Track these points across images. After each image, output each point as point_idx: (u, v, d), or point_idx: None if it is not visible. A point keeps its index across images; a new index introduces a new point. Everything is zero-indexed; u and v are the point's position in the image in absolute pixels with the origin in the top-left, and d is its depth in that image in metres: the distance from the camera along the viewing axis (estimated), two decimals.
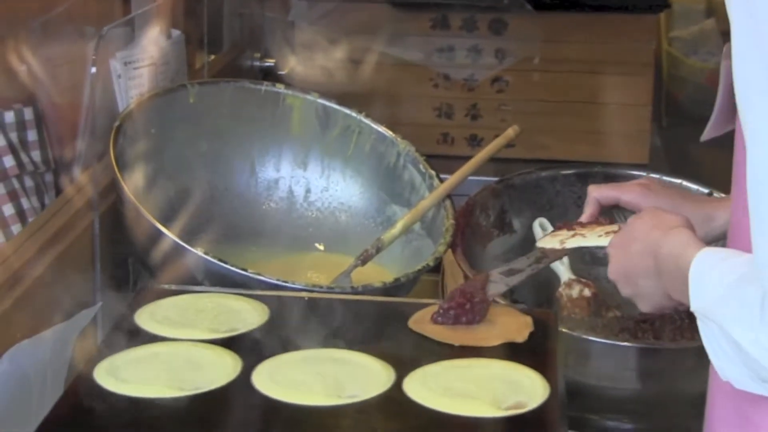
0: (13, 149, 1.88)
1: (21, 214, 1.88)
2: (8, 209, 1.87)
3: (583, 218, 1.76)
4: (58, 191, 1.91)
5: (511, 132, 2.10)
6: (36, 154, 1.92)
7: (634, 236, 1.48)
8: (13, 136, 1.89)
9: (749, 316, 1.16)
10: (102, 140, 1.85)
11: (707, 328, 1.24)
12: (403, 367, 1.46)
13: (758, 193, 1.14)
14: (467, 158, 2.07)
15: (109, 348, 1.51)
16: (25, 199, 1.89)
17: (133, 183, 1.78)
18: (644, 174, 2.14)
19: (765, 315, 1.14)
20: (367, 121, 2.11)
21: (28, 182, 1.91)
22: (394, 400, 1.39)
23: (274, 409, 1.37)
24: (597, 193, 1.76)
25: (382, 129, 2.11)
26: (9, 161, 1.87)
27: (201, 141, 2.07)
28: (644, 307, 1.49)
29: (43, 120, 1.96)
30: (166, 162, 1.99)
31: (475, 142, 2.82)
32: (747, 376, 1.20)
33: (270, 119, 2.12)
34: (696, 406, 1.49)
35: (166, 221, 1.73)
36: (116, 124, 1.87)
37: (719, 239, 1.59)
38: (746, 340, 1.16)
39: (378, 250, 1.89)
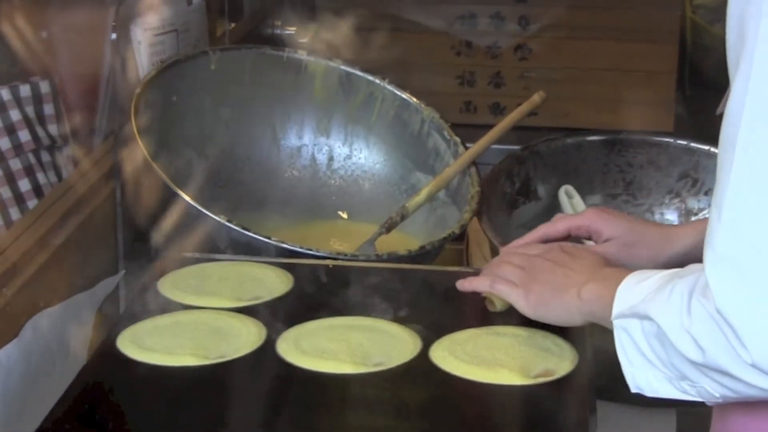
0: (29, 123, 1.86)
1: (37, 190, 1.86)
2: (24, 185, 1.86)
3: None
4: (77, 164, 1.90)
5: (536, 98, 2.07)
6: (53, 128, 1.90)
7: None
8: (29, 110, 1.87)
9: (678, 303, 1.12)
10: (123, 108, 1.83)
11: (624, 335, 1.20)
12: (429, 334, 1.45)
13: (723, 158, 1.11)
14: (490, 127, 2.04)
15: (132, 317, 1.50)
16: (42, 174, 1.88)
17: (154, 150, 1.77)
18: (670, 140, 2.12)
19: (693, 301, 1.11)
20: (390, 87, 2.09)
21: (45, 157, 1.90)
22: (421, 368, 1.38)
23: (299, 377, 1.36)
24: (546, 228, 1.61)
25: (405, 95, 2.08)
26: (25, 136, 1.85)
27: (223, 108, 2.05)
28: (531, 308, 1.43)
29: (63, 90, 1.94)
30: (188, 130, 1.98)
31: (498, 110, 2.79)
32: (664, 379, 1.17)
33: (292, 86, 2.10)
34: None
35: (188, 189, 1.72)
36: (137, 91, 1.85)
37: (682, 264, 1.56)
38: (673, 328, 1.13)
39: (402, 218, 1.87)
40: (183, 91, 1.97)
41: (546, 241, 1.57)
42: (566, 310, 1.38)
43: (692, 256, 1.46)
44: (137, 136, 1.77)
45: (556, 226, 1.59)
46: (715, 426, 1.27)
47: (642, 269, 1.30)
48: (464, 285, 1.51)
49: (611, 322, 1.23)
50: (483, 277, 1.49)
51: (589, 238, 1.57)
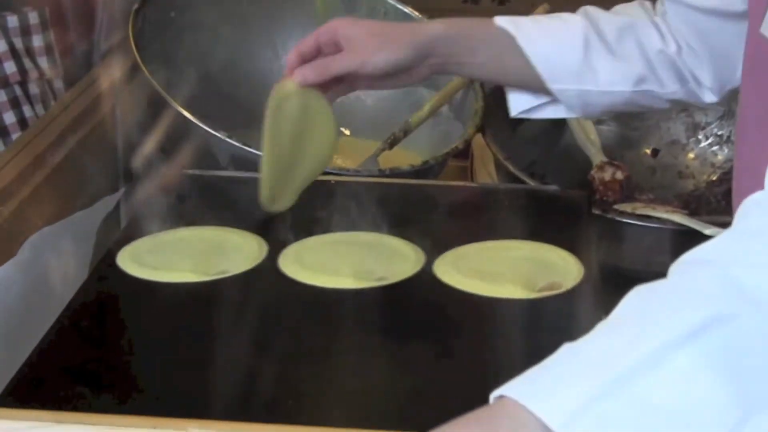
0: (15, 54, 1.83)
1: (22, 122, 1.84)
2: (9, 117, 1.83)
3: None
4: (75, 83, 1.87)
5: (541, 11, 2.04)
6: (42, 60, 1.87)
7: None
8: (17, 41, 1.84)
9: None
10: (121, 25, 1.81)
11: None
12: (433, 249, 1.43)
13: None
14: None
15: (132, 234, 1.48)
16: (28, 107, 1.85)
17: (153, 67, 1.74)
18: None
19: None
20: (392, 1, 2.05)
21: (33, 89, 1.87)
22: (425, 282, 1.36)
23: (300, 292, 1.34)
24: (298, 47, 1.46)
25: (408, 10, 2.05)
26: (10, 67, 1.82)
27: (222, 25, 2.02)
28: None
29: (60, 11, 1.91)
30: (187, 46, 1.95)
31: None
32: None
33: (293, 2, 2.06)
34: None
35: (188, 106, 1.69)
36: (135, 7, 1.83)
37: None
38: None
39: (405, 134, 1.85)
40: (181, 7, 1.94)
41: (303, 59, 1.44)
42: None
43: (440, 43, 1.46)
44: (135, 52, 1.74)
45: (304, 41, 1.46)
46: None
47: None
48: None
49: None
50: None
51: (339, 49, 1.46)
